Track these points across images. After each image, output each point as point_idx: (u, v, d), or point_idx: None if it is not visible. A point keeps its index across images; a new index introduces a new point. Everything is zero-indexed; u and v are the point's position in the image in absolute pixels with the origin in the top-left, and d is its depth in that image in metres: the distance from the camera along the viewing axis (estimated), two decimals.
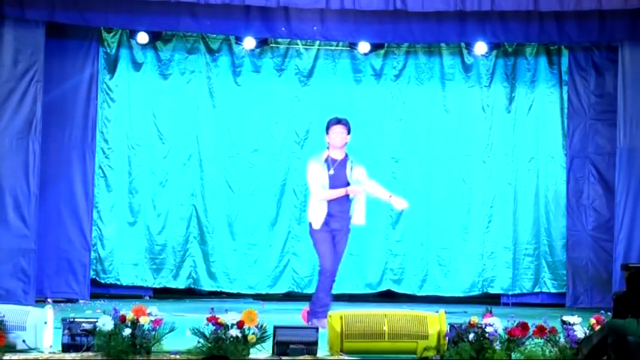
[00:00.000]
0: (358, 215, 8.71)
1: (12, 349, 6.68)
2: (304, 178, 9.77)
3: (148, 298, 10.95)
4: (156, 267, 11.06)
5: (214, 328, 6.70)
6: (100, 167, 10.99)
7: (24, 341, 6.73)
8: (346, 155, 8.67)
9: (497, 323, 6.83)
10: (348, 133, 8.63)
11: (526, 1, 9.54)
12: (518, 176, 11.23)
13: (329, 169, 8.57)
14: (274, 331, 6.83)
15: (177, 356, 6.64)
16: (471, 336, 6.78)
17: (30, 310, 6.95)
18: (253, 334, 6.72)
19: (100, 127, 10.97)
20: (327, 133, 8.64)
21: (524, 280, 11.16)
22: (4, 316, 6.72)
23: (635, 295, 4.68)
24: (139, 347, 6.61)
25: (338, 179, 8.58)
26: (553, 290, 11.13)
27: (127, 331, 6.60)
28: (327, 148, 8.66)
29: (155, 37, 10.90)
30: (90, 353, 6.66)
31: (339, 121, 8.64)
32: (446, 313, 7.18)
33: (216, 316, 6.74)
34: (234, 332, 6.67)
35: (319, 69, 11.30)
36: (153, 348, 6.67)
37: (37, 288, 10.08)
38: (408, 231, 11.22)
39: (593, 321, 6.87)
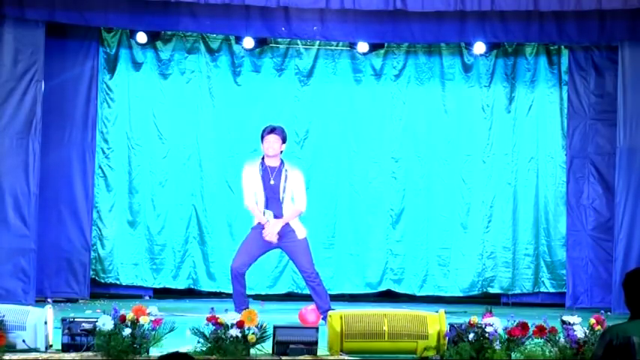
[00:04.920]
0: (298, 230, 8.73)
1: (12, 349, 6.68)
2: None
3: (148, 298, 10.95)
4: (156, 267, 11.06)
5: (214, 328, 6.70)
6: (100, 167, 11.00)
7: (24, 341, 6.72)
8: (282, 163, 8.72)
9: (497, 323, 6.83)
10: (283, 142, 8.69)
11: (526, 1, 9.53)
12: (518, 176, 11.22)
13: (269, 179, 8.64)
14: (274, 331, 6.83)
15: None
16: (471, 336, 6.78)
17: (30, 310, 6.94)
18: (253, 334, 6.73)
19: (100, 127, 10.97)
20: (262, 142, 8.70)
21: (524, 280, 11.16)
22: (4, 316, 6.72)
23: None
24: (138, 347, 6.61)
25: (274, 189, 8.65)
26: (552, 290, 11.12)
27: (127, 331, 6.60)
28: (262, 157, 8.73)
29: (155, 37, 10.90)
30: (90, 353, 6.66)
31: (272, 130, 8.68)
32: (446, 313, 7.18)
33: (216, 316, 6.74)
34: (234, 332, 6.67)
35: (319, 69, 11.30)
36: (153, 348, 6.67)
37: (37, 288, 10.08)
38: (408, 231, 11.22)
39: (593, 321, 6.88)
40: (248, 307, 7.96)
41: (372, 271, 11.21)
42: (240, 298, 8.56)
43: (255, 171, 8.68)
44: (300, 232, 8.70)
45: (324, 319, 8.11)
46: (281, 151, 8.72)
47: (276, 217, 8.64)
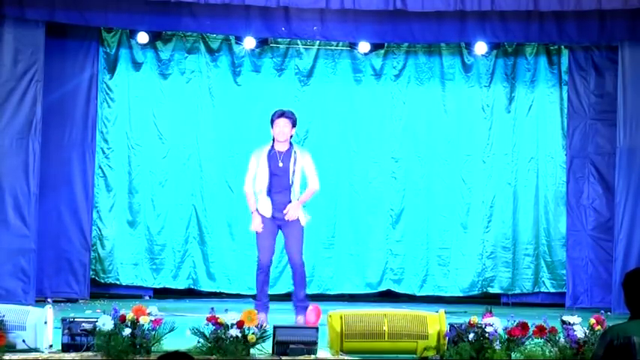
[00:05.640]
0: (301, 217, 8.73)
1: (12, 349, 6.68)
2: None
3: (148, 298, 10.95)
4: (156, 267, 11.06)
5: (214, 328, 6.71)
6: (100, 167, 11.00)
7: (24, 341, 6.73)
8: (290, 146, 8.69)
9: (497, 323, 6.84)
10: (293, 125, 8.67)
11: (526, 1, 9.53)
12: (518, 176, 11.23)
13: (277, 162, 8.60)
14: (274, 331, 6.84)
15: None
16: (471, 336, 6.79)
17: (30, 310, 6.95)
18: (253, 334, 6.73)
19: (100, 127, 10.97)
20: (272, 126, 8.65)
21: (523, 280, 11.16)
22: (4, 316, 6.72)
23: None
24: (139, 347, 6.61)
25: (283, 171, 8.61)
26: (553, 290, 11.13)
27: (127, 331, 6.61)
28: (273, 140, 8.68)
29: (155, 37, 10.91)
30: (90, 353, 6.66)
31: (282, 114, 8.65)
32: (446, 313, 7.18)
33: (216, 316, 6.74)
34: (234, 332, 6.68)
35: (319, 69, 11.31)
36: (153, 348, 6.67)
37: (37, 288, 10.08)
38: (408, 231, 11.22)
39: (593, 321, 6.88)
40: (268, 302, 8.52)
41: (372, 271, 11.21)
42: (263, 293, 8.75)
43: (263, 155, 8.65)
44: (302, 219, 8.70)
45: (296, 308, 8.56)
46: (291, 136, 8.70)
47: (283, 203, 8.60)
